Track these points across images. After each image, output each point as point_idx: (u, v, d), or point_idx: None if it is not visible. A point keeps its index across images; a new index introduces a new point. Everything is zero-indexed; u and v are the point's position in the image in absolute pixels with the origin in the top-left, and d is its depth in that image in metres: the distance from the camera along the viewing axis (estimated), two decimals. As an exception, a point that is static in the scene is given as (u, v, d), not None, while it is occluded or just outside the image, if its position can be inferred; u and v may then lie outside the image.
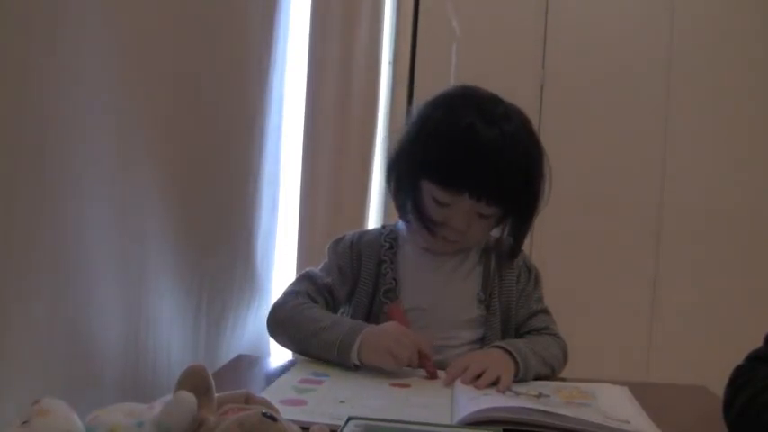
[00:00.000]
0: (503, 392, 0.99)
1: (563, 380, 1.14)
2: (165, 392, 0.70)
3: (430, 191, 1.15)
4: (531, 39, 2.86)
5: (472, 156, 1.11)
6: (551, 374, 1.14)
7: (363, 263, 1.23)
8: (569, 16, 2.88)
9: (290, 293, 1.21)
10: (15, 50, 0.67)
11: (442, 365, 1.10)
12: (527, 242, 1.26)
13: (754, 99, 2.80)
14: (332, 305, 1.23)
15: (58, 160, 0.75)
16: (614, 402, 0.97)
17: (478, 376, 1.03)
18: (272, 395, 0.87)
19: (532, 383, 1.07)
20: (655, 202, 2.84)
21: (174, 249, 1.04)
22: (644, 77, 2.84)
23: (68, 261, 0.78)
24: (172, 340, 1.05)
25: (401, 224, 1.27)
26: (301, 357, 1.17)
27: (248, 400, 0.70)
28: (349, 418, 0.76)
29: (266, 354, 1.40)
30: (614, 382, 1.07)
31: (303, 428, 0.68)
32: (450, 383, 1.04)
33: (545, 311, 1.26)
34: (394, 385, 1.04)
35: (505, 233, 1.24)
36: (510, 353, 1.08)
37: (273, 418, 0.60)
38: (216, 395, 0.67)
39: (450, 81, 2.73)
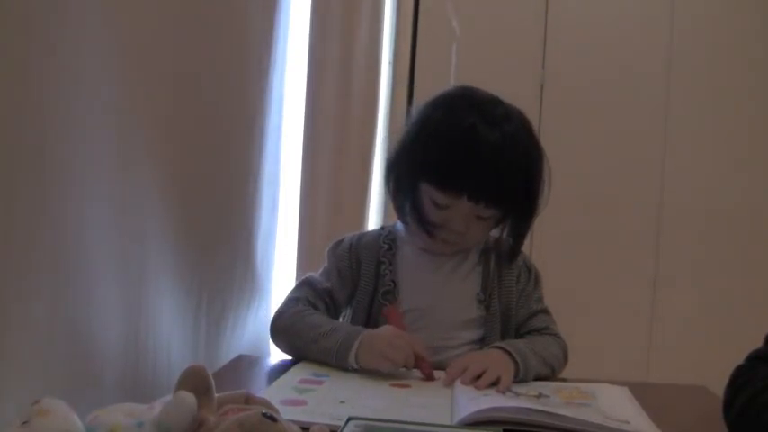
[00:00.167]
0: (503, 393, 0.99)
1: (563, 380, 1.14)
2: (165, 392, 0.70)
3: (429, 193, 1.15)
4: (531, 39, 2.86)
5: (472, 158, 1.11)
6: (551, 374, 1.14)
7: (363, 265, 1.23)
8: (569, 16, 2.88)
9: (291, 300, 1.21)
10: (15, 50, 0.67)
11: (442, 366, 1.10)
12: (527, 242, 1.26)
13: (753, 99, 2.80)
14: (332, 309, 1.23)
15: (58, 160, 0.75)
16: (614, 402, 0.97)
17: (478, 377, 1.03)
18: (272, 395, 0.87)
19: (532, 384, 1.07)
20: (655, 202, 2.84)
21: (174, 249, 1.04)
22: (644, 77, 2.84)
23: (68, 261, 0.78)
24: (172, 340, 1.05)
25: (400, 225, 1.27)
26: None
27: (248, 400, 0.70)
28: (349, 419, 0.76)
29: (266, 354, 1.40)
30: (614, 383, 1.07)
31: (303, 429, 0.69)
32: (449, 384, 1.04)
33: (545, 311, 1.25)
34: (394, 385, 1.04)
35: (505, 234, 1.23)
36: (510, 353, 1.08)
37: (273, 419, 0.60)
38: (216, 395, 0.67)
39: (450, 81, 2.73)
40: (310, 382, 1.03)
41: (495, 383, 1.01)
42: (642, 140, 2.85)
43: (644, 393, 1.02)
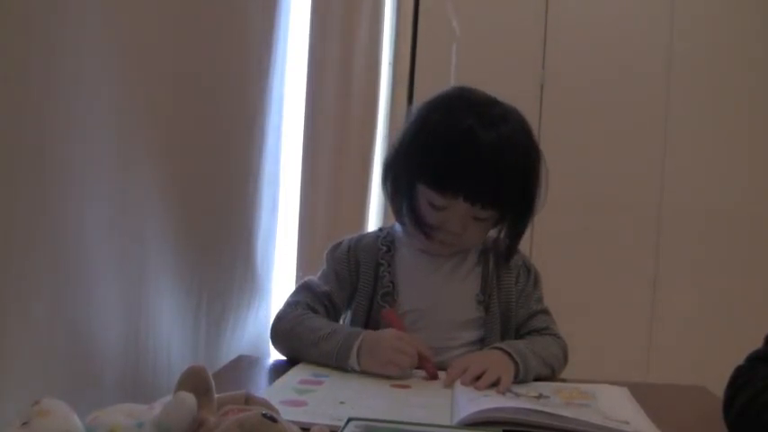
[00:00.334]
0: (502, 393, 0.99)
1: (563, 380, 1.14)
2: (165, 393, 0.70)
3: (425, 194, 1.14)
4: (531, 39, 2.87)
5: (469, 159, 1.11)
6: (552, 375, 1.14)
7: (361, 267, 1.23)
8: (569, 16, 2.88)
9: (290, 305, 1.21)
10: (15, 50, 0.67)
11: (442, 367, 1.10)
12: (527, 242, 1.26)
13: (753, 99, 2.81)
14: (332, 312, 1.23)
15: (58, 160, 0.75)
16: (614, 403, 0.97)
17: (478, 377, 1.03)
18: (272, 396, 0.87)
19: (532, 384, 1.07)
20: (655, 202, 2.84)
21: (174, 249, 1.04)
22: (644, 77, 2.84)
23: (68, 261, 0.78)
24: (172, 340, 1.05)
25: (398, 226, 1.27)
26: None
27: (248, 400, 0.70)
28: (349, 419, 0.76)
29: (266, 354, 1.40)
30: (614, 383, 1.07)
31: (303, 429, 0.68)
32: (450, 384, 1.04)
33: (545, 312, 1.25)
34: (394, 386, 1.04)
35: (503, 234, 1.23)
36: (510, 354, 1.08)
37: (273, 419, 0.60)
38: (216, 396, 0.67)
39: (451, 81, 2.73)
40: (310, 383, 1.03)
41: (495, 384, 1.01)
42: (642, 140, 2.85)
43: (644, 393, 1.02)
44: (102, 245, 0.85)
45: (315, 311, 1.20)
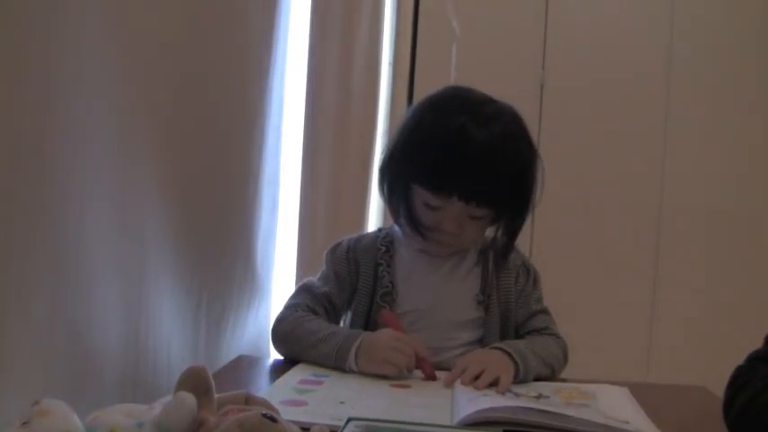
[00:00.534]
0: (502, 393, 0.99)
1: (563, 380, 1.14)
2: (165, 393, 0.70)
3: (420, 195, 1.15)
4: (531, 39, 2.86)
5: (461, 158, 1.11)
6: (551, 375, 1.14)
7: (361, 267, 1.23)
8: (569, 16, 2.88)
9: (290, 307, 1.21)
10: (15, 50, 0.67)
11: (442, 367, 1.11)
12: (527, 242, 1.26)
13: (753, 99, 2.80)
14: (332, 314, 1.23)
15: (58, 160, 0.75)
16: (614, 403, 0.97)
17: (477, 377, 1.03)
18: (272, 396, 0.87)
19: (532, 384, 1.07)
20: (655, 202, 2.84)
21: (174, 249, 1.04)
22: (644, 77, 2.84)
23: (68, 261, 0.78)
24: (172, 340, 1.05)
25: (397, 226, 1.27)
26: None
27: (248, 400, 0.70)
28: (349, 419, 0.76)
29: (266, 354, 1.40)
30: (614, 383, 1.07)
31: (303, 429, 0.68)
32: (450, 384, 1.04)
33: (545, 312, 1.25)
34: (394, 386, 1.04)
35: (499, 232, 1.23)
36: (509, 354, 1.08)
37: (273, 419, 0.60)
38: (216, 396, 0.67)
39: (451, 81, 2.73)
40: (310, 383, 1.03)
41: (494, 384, 1.01)
42: (642, 141, 2.85)
43: (644, 393, 1.02)
44: (102, 245, 0.85)
45: (315, 313, 1.20)
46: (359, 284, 1.23)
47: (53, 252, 0.75)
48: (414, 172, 1.15)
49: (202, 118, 1.12)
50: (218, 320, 1.23)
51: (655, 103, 2.84)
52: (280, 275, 1.54)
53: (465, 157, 1.10)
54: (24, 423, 0.59)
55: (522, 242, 1.25)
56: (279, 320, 1.20)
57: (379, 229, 1.31)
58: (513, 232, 1.21)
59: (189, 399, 0.61)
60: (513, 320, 1.24)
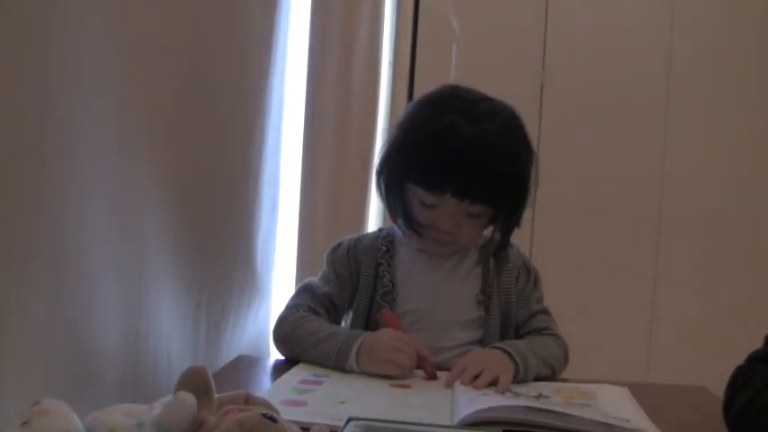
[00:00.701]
0: (502, 393, 0.99)
1: (564, 380, 1.14)
2: (165, 393, 0.70)
3: (416, 193, 1.15)
4: (531, 39, 2.87)
5: (453, 154, 1.11)
6: (552, 375, 1.14)
7: (362, 267, 1.23)
8: (569, 16, 2.88)
9: (291, 307, 1.21)
10: (15, 50, 0.67)
11: (442, 367, 1.11)
12: (527, 242, 1.26)
13: (753, 99, 2.81)
14: (333, 314, 1.23)
15: (58, 160, 0.75)
16: (614, 403, 0.97)
17: (477, 376, 1.03)
18: (272, 396, 0.87)
19: (532, 384, 1.07)
20: (655, 202, 2.84)
21: (174, 249, 1.04)
22: (644, 77, 2.84)
23: (68, 261, 0.78)
24: (172, 340, 1.05)
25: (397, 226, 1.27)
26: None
27: (248, 400, 0.70)
28: (349, 419, 0.76)
29: (266, 354, 1.40)
30: (614, 383, 1.07)
31: (303, 429, 0.68)
32: (450, 385, 1.04)
33: (545, 312, 1.25)
34: (394, 386, 1.04)
35: (496, 231, 1.23)
36: (509, 354, 1.08)
37: (273, 419, 0.60)
38: (216, 396, 0.67)
39: (450, 81, 2.72)
40: (310, 383, 1.03)
41: (493, 383, 1.01)
42: (642, 141, 2.85)
43: (644, 393, 1.02)
44: (102, 245, 0.85)
45: (316, 313, 1.20)
46: (359, 284, 1.23)
47: (53, 252, 0.75)
48: (408, 170, 1.15)
49: (202, 118, 1.12)
50: (218, 320, 1.23)
51: (655, 103, 2.84)
52: (280, 275, 1.54)
53: (457, 154, 1.11)
54: (24, 423, 0.59)
55: (522, 242, 1.25)
56: (280, 321, 1.20)
57: (380, 229, 1.31)
58: (507, 229, 1.21)
59: (189, 399, 0.61)
60: (513, 320, 1.24)
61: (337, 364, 1.09)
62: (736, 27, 2.82)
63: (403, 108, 2.65)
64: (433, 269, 1.24)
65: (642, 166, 2.85)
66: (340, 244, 1.27)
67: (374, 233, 1.30)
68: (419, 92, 2.82)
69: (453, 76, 2.79)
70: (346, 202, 2.09)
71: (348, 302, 1.25)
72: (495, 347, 1.11)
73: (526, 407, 0.88)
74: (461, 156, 1.10)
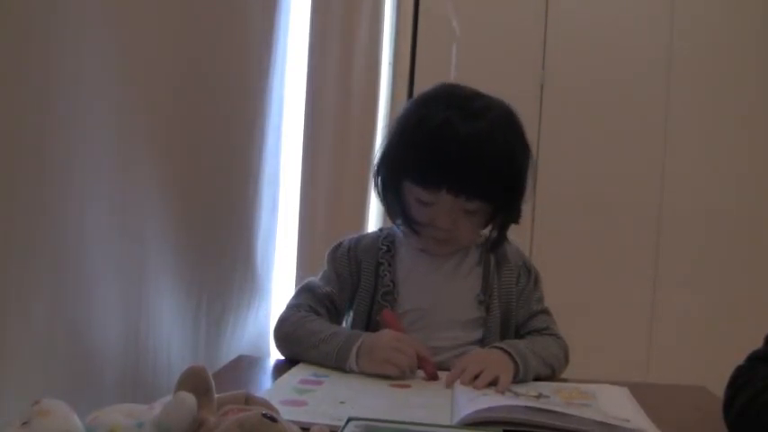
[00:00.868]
0: (502, 393, 0.99)
1: (564, 380, 1.14)
2: (165, 393, 0.70)
3: (412, 191, 1.15)
4: (531, 39, 2.87)
5: (447, 151, 1.11)
6: (552, 375, 1.14)
7: (362, 267, 1.23)
8: (569, 16, 2.88)
9: (292, 307, 1.21)
10: (15, 50, 0.67)
11: (442, 367, 1.11)
12: (527, 242, 1.26)
13: (753, 99, 2.81)
14: (334, 314, 1.23)
15: (57, 160, 0.75)
16: (614, 403, 0.97)
17: (477, 376, 1.03)
18: (272, 396, 0.87)
19: (532, 384, 1.07)
20: (655, 202, 2.84)
21: (174, 249, 1.04)
22: (644, 77, 2.84)
23: (68, 261, 0.78)
24: (172, 340, 1.05)
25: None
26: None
27: (248, 400, 0.70)
28: (349, 419, 0.76)
29: (266, 354, 1.40)
30: (614, 383, 1.07)
31: (303, 429, 0.68)
32: (450, 385, 1.04)
33: (545, 312, 1.25)
34: (394, 386, 1.04)
35: (494, 227, 1.23)
36: (509, 353, 1.08)
37: (273, 419, 0.60)
38: (216, 396, 0.67)
39: (450, 81, 2.73)
40: (310, 383, 1.03)
41: (493, 383, 1.01)
42: (642, 140, 2.85)
43: (644, 393, 1.02)
44: (102, 245, 0.85)
45: (317, 313, 1.20)
46: (360, 284, 1.23)
47: (53, 252, 0.75)
48: (404, 168, 1.16)
49: (202, 118, 1.12)
50: (218, 320, 1.23)
51: (655, 103, 2.84)
52: (280, 275, 1.54)
53: (451, 151, 1.11)
54: (24, 423, 0.59)
55: (522, 242, 1.25)
56: (281, 321, 1.20)
57: (381, 229, 1.31)
58: (504, 225, 1.22)
59: (189, 399, 0.61)
60: (513, 321, 1.24)
61: (337, 364, 1.09)
62: (736, 27, 2.82)
63: (403, 108, 2.65)
64: (433, 269, 1.24)
65: (642, 166, 2.85)
66: (340, 244, 1.27)
67: (375, 233, 1.30)
68: (419, 92, 2.82)
69: (453, 76, 2.79)
70: (346, 202, 2.09)
71: (349, 302, 1.25)
72: (495, 347, 1.11)
73: (526, 407, 0.88)
74: (456, 152, 1.11)
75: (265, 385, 1.05)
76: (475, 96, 1.17)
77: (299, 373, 1.08)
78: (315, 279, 1.26)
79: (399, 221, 1.21)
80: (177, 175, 1.04)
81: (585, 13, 2.88)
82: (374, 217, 2.38)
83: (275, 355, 1.23)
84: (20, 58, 0.68)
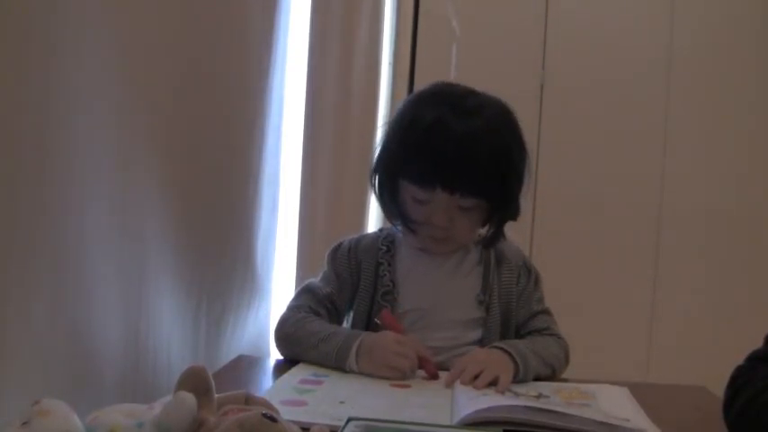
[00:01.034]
0: (502, 393, 0.99)
1: (564, 380, 1.14)
2: (165, 393, 0.70)
3: (408, 190, 1.16)
4: (531, 39, 2.87)
5: (440, 149, 1.11)
6: (552, 375, 1.14)
7: (362, 267, 1.23)
8: (569, 16, 2.88)
9: (292, 309, 1.21)
10: (15, 50, 0.67)
11: (442, 367, 1.11)
12: (527, 242, 1.26)
13: (754, 99, 2.81)
14: (334, 314, 1.23)
15: (58, 160, 0.75)
16: (614, 403, 0.97)
17: (477, 376, 1.03)
18: (272, 396, 0.87)
19: (532, 384, 1.07)
20: (654, 202, 2.84)
21: (174, 249, 1.04)
22: (644, 77, 2.84)
23: (68, 261, 0.78)
24: (172, 340, 1.05)
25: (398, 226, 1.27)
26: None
27: (248, 400, 0.70)
28: (349, 419, 0.76)
29: (266, 354, 1.40)
30: (614, 383, 1.07)
31: (303, 429, 0.68)
32: (450, 384, 1.04)
33: (546, 312, 1.25)
34: (394, 386, 1.04)
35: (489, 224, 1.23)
36: (509, 353, 1.08)
37: (273, 419, 0.60)
38: (216, 396, 0.67)
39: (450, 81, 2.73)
40: (310, 383, 1.03)
41: (493, 383, 1.01)
42: (642, 141, 2.85)
43: (644, 393, 1.02)
44: (102, 245, 0.85)
45: (317, 314, 1.20)
46: (360, 284, 1.23)
47: (53, 252, 0.75)
48: (399, 166, 1.16)
49: (202, 118, 1.12)
50: (218, 320, 1.23)
51: (655, 103, 2.84)
52: (280, 275, 1.54)
53: (444, 148, 1.11)
54: (24, 423, 0.59)
55: (522, 242, 1.25)
56: (281, 322, 1.20)
57: (380, 229, 1.31)
58: (500, 222, 1.22)
59: (189, 399, 0.61)
60: (513, 321, 1.24)
61: (337, 363, 1.09)
62: (736, 27, 2.82)
63: (402, 108, 2.65)
64: (433, 269, 1.24)
65: (642, 166, 2.85)
66: (340, 244, 1.27)
67: (375, 233, 1.30)
68: (419, 92, 2.83)
69: (453, 76, 2.79)
70: (346, 202, 2.09)
71: (349, 303, 1.25)
72: (496, 347, 1.11)
73: (526, 407, 0.88)
74: (448, 150, 1.11)
75: (265, 385, 1.05)
76: (468, 94, 1.18)
77: (299, 373, 1.08)
78: (315, 280, 1.26)
79: (397, 222, 1.21)
80: (177, 175, 1.04)
81: (585, 13, 2.88)
82: (374, 217, 2.38)
83: (275, 355, 1.23)
84: (20, 58, 0.68)
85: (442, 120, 1.12)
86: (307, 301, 1.22)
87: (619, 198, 2.84)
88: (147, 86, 0.93)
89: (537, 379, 1.10)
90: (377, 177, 1.22)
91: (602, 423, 0.85)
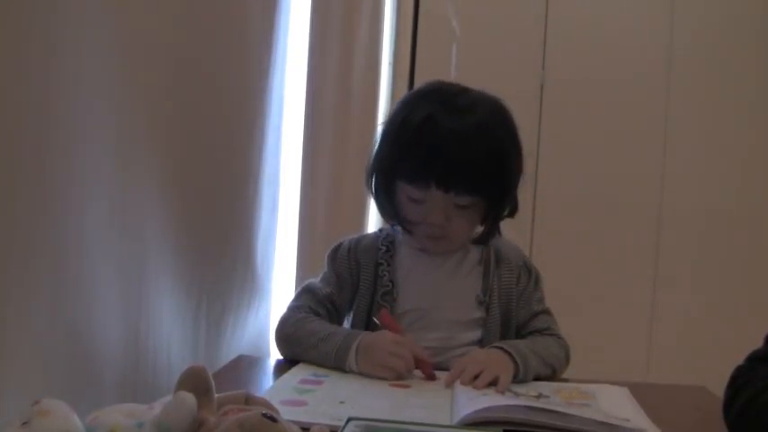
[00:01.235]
0: (502, 393, 0.99)
1: (564, 380, 1.14)
2: (165, 393, 0.70)
3: (403, 189, 1.16)
4: (531, 39, 2.87)
5: (432, 147, 1.12)
6: (552, 375, 1.14)
7: (362, 268, 1.23)
8: (569, 16, 2.88)
9: (292, 309, 1.21)
10: (15, 50, 0.67)
11: (441, 367, 1.11)
12: (527, 242, 1.26)
13: (754, 99, 2.81)
14: (334, 315, 1.23)
15: (58, 160, 0.75)
16: (614, 403, 0.97)
17: (477, 376, 1.03)
18: (272, 396, 0.87)
19: (532, 384, 1.07)
20: (655, 202, 2.84)
21: (174, 249, 1.04)
22: (644, 77, 2.84)
23: (68, 261, 0.78)
24: (172, 340, 1.05)
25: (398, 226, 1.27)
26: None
27: (248, 400, 0.70)
28: (349, 419, 0.76)
29: (266, 354, 1.40)
30: (614, 383, 1.07)
31: (303, 429, 0.69)
32: (450, 384, 1.04)
33: (546, 312, 1.25)
34: (394, 386, 1.04)
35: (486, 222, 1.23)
36: (509, 353, 1.08)
37: (273, 419, 0.60)
38: (216, 396, 0.67)
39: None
40: (310, 383, 1.03)
41: (493, 383, 1.01)
42: (642, 140, 2.85)
43: (644, 393, 1.02)
44: (102, 245, 0.85)
45: (317, 314, 1.20)
46: (360, 284, 1.23)
47: (53, 252, 0.75)
48: (393, 166, 1.17)
49: (202, 118, 1.12)
50: (218, 320, 1.23)
51: (655, 103, 2.84)
52: (280, 275, 1.54)
53: (436, 146, 1.11)
54: (24, 423, 0.59)
55: (522, 242, 1.25)
56: (281, 322, 1.20)
57: (380, 230, 1.31)
58: (495, 218, 1.22)
59: (189, 399, 0.61)
60: (513, 321, 1.24)
61: (337, 363, 1.09)
62: (736, 27, 2.82)
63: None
64: (433, 269, 1.24)
65: (642, 166, 2.85)
66: (340, 244, 1.27)
67: (374, 233, 1.30)
68: (418, 92, 2.83)
69: (453, 76, 2.78)
70: (346, 202, 2.09)
71: (349, 303, 1.25)
72: (495, 347, 1.11)
73: (526, 407, 0.88)
74: (441, 147, 1.11)
75: (265, 385, 1.05)
76: (461, 92, 1.18)
77: (299, 372, 1.08)
78: (315, 280, 1.26)
79: (394, 223, 1.21)
80: (177, 175, 1.04)
81: (585, 13, 2.88)
82: (374, 217, 2.37)
83: (275, 355, 1.23)
84: (20, 58, 0.68)
85: (432, 117, 1.12)
86: (307, 301, 1.22)
87: (619, 198, 2.84)
88: (147, 86, 0.93)
89: (537, 379, 1.10)
90: (373, 179, 1.22)
91: (602, 423, 0.85)
